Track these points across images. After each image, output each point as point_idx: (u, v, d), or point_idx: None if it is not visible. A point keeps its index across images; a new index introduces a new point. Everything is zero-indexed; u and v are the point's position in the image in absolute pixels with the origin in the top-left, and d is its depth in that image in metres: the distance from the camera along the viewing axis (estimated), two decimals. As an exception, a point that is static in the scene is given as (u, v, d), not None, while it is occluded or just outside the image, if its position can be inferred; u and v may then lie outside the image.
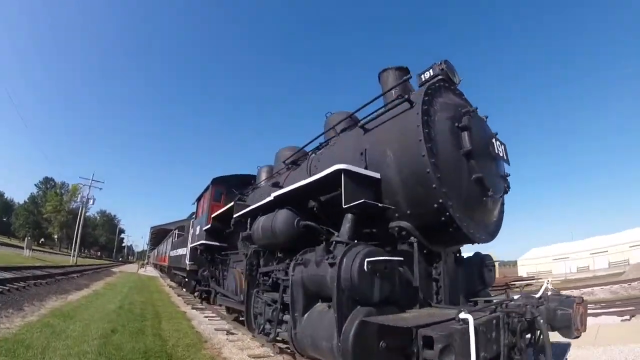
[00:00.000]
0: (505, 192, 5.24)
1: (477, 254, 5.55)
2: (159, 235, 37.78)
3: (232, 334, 8.07)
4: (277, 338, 5.63)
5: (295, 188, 5.14)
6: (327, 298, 4.03)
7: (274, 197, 5.62)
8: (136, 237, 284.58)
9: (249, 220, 7.18)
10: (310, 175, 5.93)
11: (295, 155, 7.92)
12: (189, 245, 13.51)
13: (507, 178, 5.24)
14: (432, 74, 4.81)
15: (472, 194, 4.44)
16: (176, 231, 20.86)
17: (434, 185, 4.07)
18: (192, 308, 12.28)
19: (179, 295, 16.10)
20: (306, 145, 7.18)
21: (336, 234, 4.55)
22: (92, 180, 46.59)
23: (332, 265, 3.76)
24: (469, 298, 5.00)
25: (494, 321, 3.24)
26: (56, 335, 5.96)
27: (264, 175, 10.76)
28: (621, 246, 35.03)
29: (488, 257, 5.57)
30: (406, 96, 4.56)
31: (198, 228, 12.20)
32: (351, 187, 4.25)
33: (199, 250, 11.60)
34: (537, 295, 4.07)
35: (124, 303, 10.99)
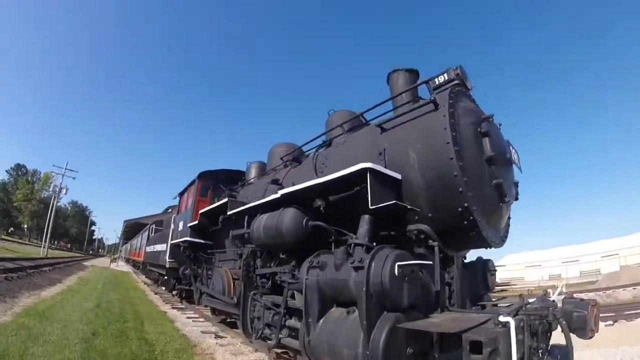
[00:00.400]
0: (516, 198, 5.20)
1: (479, 259, 5.46)
2: (132, 228, 36.54)
3: (221, 337, 7.69)
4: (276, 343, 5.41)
5: (309, 186, 4.89)
6: (346, 303, 3.95)
7: (282, 194, 5.33)
8: (107, 230, 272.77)
9: (246, 218, 6.84)
10: (317, 174, 5.88)
11: (295, 152, 7.67)
12: (170, 242, 12.94)
13: (518, 185, 5.20)
14: (446, 78, 4.71)
15: (491, 199, 4.42)
16: (153, 226, 20.06)
17: (460, 189, 4.01)
18: (172, 308, 11.78)
19: (155, 293, 15.45)
20: (308, 143, 6.90)
21: (354, 236, 4.39)
22: (66, 169, 44.45)
23: (357, 269, 3.63)
24: (475, 302, 4.91)
25: (521, 324, 3.18)
26: (34, 339, 5.41)
27: (254, 172, 10.39)
28: (593, 256, 36.03)
29: (490, 262, 5.50)
30: (432, 97, 4.47)
31: (181, 224, 11.67)
32: (376, 188, 4.09)
33: (182, 247, 11.09)
34: (552, 298, 4.10)
35: (101, 301, 10.34)
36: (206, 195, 11.26)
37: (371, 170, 4.07)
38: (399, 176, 4.41)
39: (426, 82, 4.89)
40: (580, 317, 3.79)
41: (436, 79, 4.75)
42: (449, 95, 4.40)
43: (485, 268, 5.38)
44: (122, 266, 38.53)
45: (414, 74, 5.51)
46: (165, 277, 13.55)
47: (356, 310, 3.71)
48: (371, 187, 4.05)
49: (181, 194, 12.95)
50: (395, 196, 4.31)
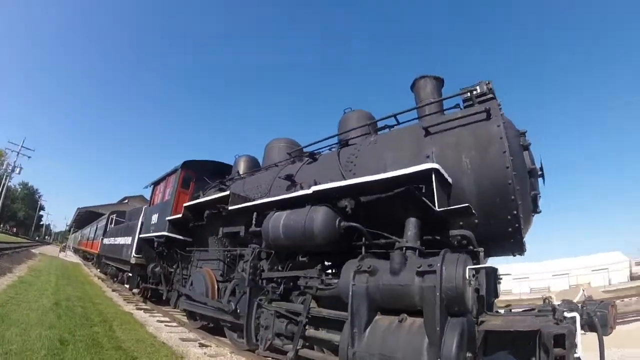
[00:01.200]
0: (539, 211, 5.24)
1: (490, 267, 5.41)
2: (85, 217, 33.69)
3: (206, 345, 6.89)
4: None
5: (347, 185, 4.55)
6: (394, 311, 3.79)
7: (314, 191, 4.84)
8: (56, 216, 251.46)
9: (254, 215, 6.21)
10: (343, 172, 5.55)
11: (298, 149, 7.18)
12: (138, 236, 11.76)
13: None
14: (479, 91, 4.86)
15: (529, 209, 4.57)
16: (114, 216, 18.43)
17: (512, 197, 4.16)
18: (137, 308, 10.65)
19: (113, 290, 14.05)
20: (324, 140, 6.63)
21: (399, 240, 4.21)
22: (22, 147, 40.52)
23: (424, 273, 3.51)
24: (489, 308, 4.85)
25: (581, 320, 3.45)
26: (-10, 350, 4.41)
27: (243, 166, 9.72)
28: (583, 269, 37.31)
29: (497, 269, 5.50)
30: (488, 106, 4.52)
31: (155, 217, 10.59)
32: (439, 190, 4.02)
33: (156, 243, 10.03)
34: (576, 300, 4.36)
35: (59, 298, 9.08)
36: (188, 187, 10.31)
37: (436, 171, 3.93)
38: (450, 180, 4.34)
39: (469, 91, 4.89)
40: (603, 316, 3.99)
41: (474, 91, 4.89)
42: (498, 106, 4.58)
43: (495, 276, 5.32)
44: (70, 256, 35.28)
45: (439, 81, 5.73)
46: (129, 274, 12.27)
47: (409, 318, 3.64)
48: (436, 189, 3.94)
49: (155, 184, 11.82)
50: (447, 201, 4.23)
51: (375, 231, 4.65)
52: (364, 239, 4.80)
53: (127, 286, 12.64)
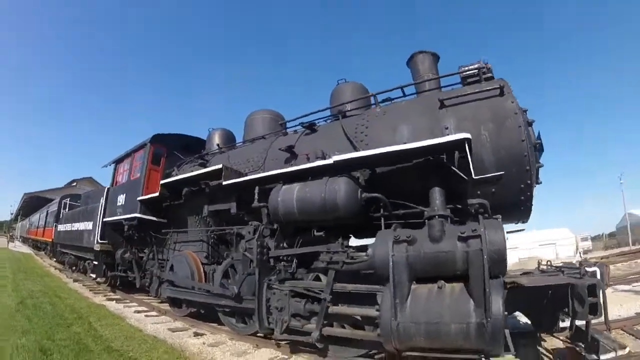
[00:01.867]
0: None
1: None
2: (33, 204, 30.61)
3: (200, 334, 6.35)
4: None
5: (374, 154, 4.35)
6: (431, 278, 3.82)
7: (336, 162, 4.57)
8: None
9: (256, 189, 5.62)
10: (355, 142, 5.31)
11: (294, 120, 6.65)
12: (100, 220, 10.61)
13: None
14: (476, 67, 4.98)
15: (533, 180, 4.75)
16: (67, 200, 16.68)
17: (527, 168, 4.44)
18: (107, 299, 9.77)
19: (75, 281, 12.84)
20: (320, 111, 6.31)
21: (426, 209, 4.15)
22: None
23: (466, 239, 3.60)
24: None
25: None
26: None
27: (218, 140, 8.91)
28: (531, 243, 37.19)
29: None
30: (500, 83, 4.68)
31: (122, 198, 9.49)
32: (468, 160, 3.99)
33: (126, 227, 9.05)
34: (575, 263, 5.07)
35: (23, 296, 8.02)
36: (159, 164, 9.27)
37: (469, 140, 3.91)
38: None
39: (477, 69, 4.94)
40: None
41: (465, 68, 5.04)
42: (506, 84, 4.73)
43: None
44: (20, 247, 32.12)
45: (436, 57, 5.89)
46: (94, 262, 11.13)
47: (446, 285, 3.71)
48: (471, 158, 3.97)
49: (118, 162, 10.56)
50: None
51: (398, 201, 4.56)
52: (382, 210, 4.62)
53: (92, 276, 11.48)
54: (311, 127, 6.15)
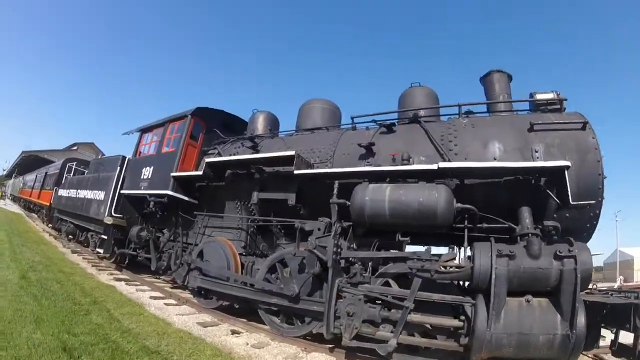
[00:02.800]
0: None
1: None
2: (30, 163, 28.95)
3: (238, 333, 5.45)
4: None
5: (493, 167, 4.44)
6: (519, 293, 3.99)
7: (440, 168, 4.53)
8: None
9: (335, 184, 5.15)
10: (442, 150, 5.13)
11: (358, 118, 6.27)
12: (117, 191, 9.51)
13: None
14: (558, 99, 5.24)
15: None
16: (72, 165, 15.41)
17: (600, 199, 4.62)
18: (115, 278, 8.63)
19: (74, 252, 11.62)
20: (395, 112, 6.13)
21: (515, 227, 4.37)
22: None
23: (562, 257, 3.82)
24: None
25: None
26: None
27: (263, 124, 8.04)
28: None
29: None
30: (583, 119, 4.82)
31: (148, 170, 8.38)
32: (565, 185, 4.25)
33: (151, 202, 7.97)
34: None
35: (23, 268, 6.86)
36: (197, 140, 8.22)
37: (568, 168, 4.15)
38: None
39: (560, 100, 5.20)
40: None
41: (563, 100, 5.23)
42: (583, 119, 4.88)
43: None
44: (10, 205, 30.13)
45: (509, 77, 5.98)
46: (102, 236, 9.96)
47: (533, 299, 3.95)
48: (565, 183, 4.21)
49: (145, 131, 9.45)
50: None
51: (490, 216, 4.62)
52: (466, 222, 4.71)
53: (99, 251, 10.25)
54: (389, 127, 5.72)
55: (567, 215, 4.62)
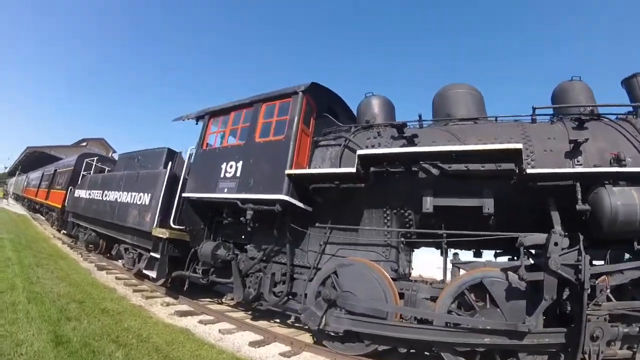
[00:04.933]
0: None
1: None
2: (34, 159, 25.67)
3: None
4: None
5: None
6: None
7: None
8: None
9: (578, 187, 3.94)
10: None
11: None
12: (178, 194, 6.82)
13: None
14: None
15: None
16: (92, 161, 12.49)
17: None
18: (177, 313, 5.97)
19: (100, 268, 8.80)
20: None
21: None
22: None
23: None
24: None
25: None
26: None
27: (378, 108, 5.94)
28: None
29: None
30: None
31: (236, 166, 5.68)
32: None
33: (249, 214, 5.32)
34: None
35: (51, 316, 4.06)
36: (309, 127, 5.66)
37: None
38: None
39: None
40: None
41: None
42: None
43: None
44: (13, 205, 26.45)
45: None
46: (153, 254, 7.09)
47: None
48: None
49: (218, 114, 6.76)
50: None
51: None
52: None
53: (152, 275, 7.23)
54: (581, 122, 4.54)
55: None
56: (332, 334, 4.73)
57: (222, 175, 5.84)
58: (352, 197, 5.02)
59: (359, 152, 4.57)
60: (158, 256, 6.87)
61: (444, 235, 4.63)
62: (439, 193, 4.53)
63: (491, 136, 4.69)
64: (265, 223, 5.50)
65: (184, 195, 6.43)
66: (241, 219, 5.49)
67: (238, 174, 5.60)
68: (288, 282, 5.48)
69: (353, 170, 4.51)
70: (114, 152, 17.85)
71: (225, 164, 5.87)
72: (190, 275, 6.60)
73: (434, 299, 4.46)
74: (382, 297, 4.50)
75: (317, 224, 5.39)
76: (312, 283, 5.12)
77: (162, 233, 6.72)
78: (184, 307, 6.49)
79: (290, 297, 5.47)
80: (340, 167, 5.26)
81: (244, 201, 5.34)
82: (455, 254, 4.79)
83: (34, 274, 6.19)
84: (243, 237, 6.25)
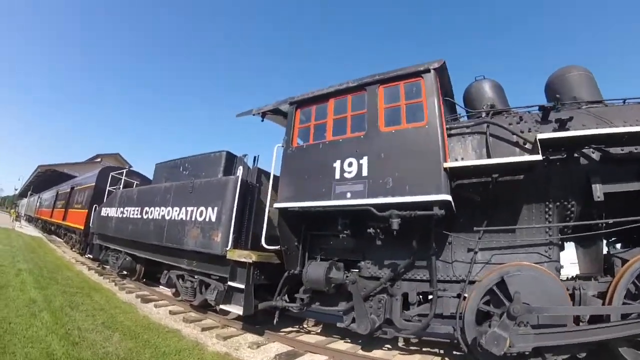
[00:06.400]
0: None
1: None
2: (47, 178, 23.93)
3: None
4: None
5: None
6: None
7: None
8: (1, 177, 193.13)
9: None
10: None
11: None
12: (267, 207, 5.46)
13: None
14: None
15: None
16: (122, 175, 10.98)
17: None
18: (277, 358, 4.53)
19: (144, 300, 7.30)
20: None
21: None
22: None
23: None
24: None
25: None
26: None
27: (500, 94, 5.20)
28: None
29: None
30: None
31: (360, 163, 4.34)
32: None
33: (395, 222, 4.00)
34: None
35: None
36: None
37: None
38: None
39: None
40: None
41: None
42: None
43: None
44: (26, 227, 24.23)
45: None
46: (232, 284, 5.50)
47: None
48: None
49: (309, 103, 5.45)
50: None
51: None
52: None
53: (238, 312, 5.57)
54: None
55: None
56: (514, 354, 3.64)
57: (337, 177, 4.51)
58: (507, 191, 4.16)
59: (540, 136, 3.84)
60: (241, 286, 5.40)
61: (604, 225, 4.15)
62: (606, 179, 4.02)
63: (633, 118, 4.17)
64: (398, 233, 4.17)
65: (276, 205, 5.05)
66: (369, 230, 4.18)
67: (364, 173, 4.30)
68: (435, 301, 4.25)
69: (539, 157, 3.71)
70: (130, 166, 16.32)
71: (339, 162, 4.57)
72: (287, 305, 5.17)
73: (601, 295, 3.97)
74: (566, 303, 3.85)
75: (460, 228, 4.39)
76: (471, 299, 4.03)
77: (245, 256, 5.30)
78: (280, 346, 5.08)
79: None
80: (490, 156, 4.17)
81: (383, 207, 4.00)
82: (611, 246, 4.49)
83: (71, 324, 4.67)
84: (354, 252, 4.90)
